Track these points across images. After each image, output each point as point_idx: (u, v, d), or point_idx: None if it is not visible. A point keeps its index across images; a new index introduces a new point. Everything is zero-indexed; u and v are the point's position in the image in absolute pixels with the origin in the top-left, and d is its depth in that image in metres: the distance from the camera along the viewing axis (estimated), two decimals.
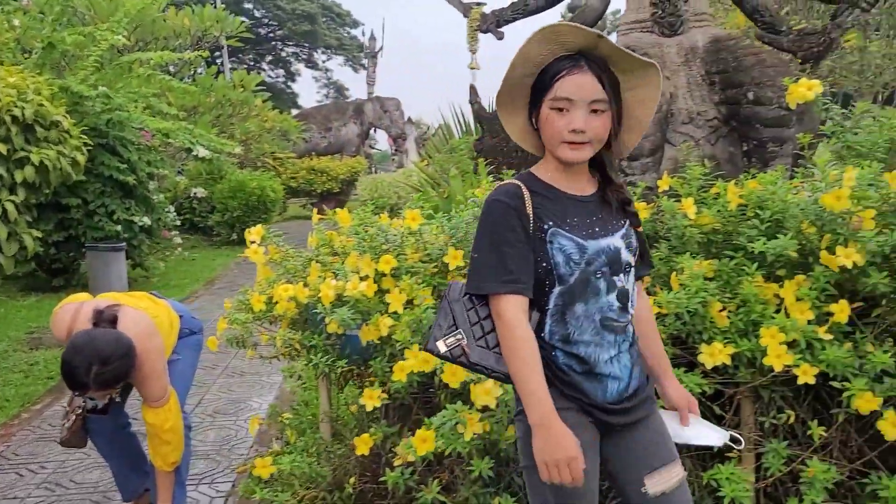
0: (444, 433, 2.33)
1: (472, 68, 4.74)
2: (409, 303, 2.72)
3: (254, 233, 3.16)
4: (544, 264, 1.72)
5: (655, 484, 1.79)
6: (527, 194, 1.73)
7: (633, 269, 1.80)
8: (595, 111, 1.67)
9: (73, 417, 3.01)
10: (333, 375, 3.19)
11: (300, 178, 18.95)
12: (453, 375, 2.32)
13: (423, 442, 2.32)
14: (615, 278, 1.74)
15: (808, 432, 2.55)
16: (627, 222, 1.81)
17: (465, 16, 4.63)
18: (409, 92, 32.65)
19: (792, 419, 2.62)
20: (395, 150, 23.70)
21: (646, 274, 1.99)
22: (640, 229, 1.87)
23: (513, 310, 1.68)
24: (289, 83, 40.31)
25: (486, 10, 4.56)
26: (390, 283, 2.79)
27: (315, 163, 19.43)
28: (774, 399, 2.66)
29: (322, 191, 19.10)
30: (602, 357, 1.74)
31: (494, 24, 4.41)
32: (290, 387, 3.13)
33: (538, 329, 1.75)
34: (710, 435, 2.03)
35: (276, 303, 2.97)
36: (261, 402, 4.66)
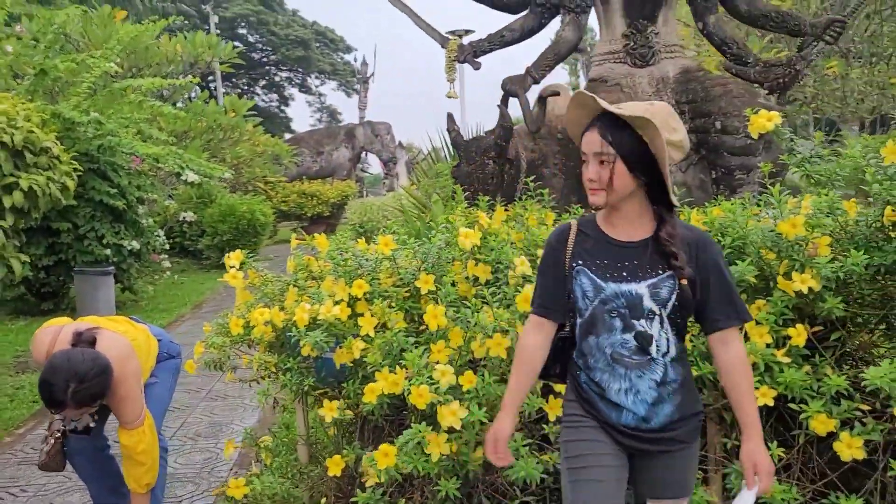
0: (408, 452, 2.38)
1: (449, 97, 4.83)
2: (383, 326, 2.79)
3: (233, 257, 3.23)
4: (570, 297, 2.00)
5: None
6: (573, 234, 2.01)
7: (659, 316, 1.91)
8: (602, 162, 1.86)
9: (52, 441, 3.05)
10: (310, 398, 3.25)
11: (291, 201, 19.05)
12: (420, 397, 2.39)
13: (384, 456, 2.38)
14: (634, 321, 1.90)
15: (769, 453, 2.60)
16: (667, 273, 1.89)
17: (443, 46, 4.75)
18: (400, 117, 32.87)
19: None
20: (386, 174, 23.85)
21: (727, 326, 1.94)
22: (685, 281, 1.89)
23: (529, 324, 2.08)
24: (282, 108, 40.59)
25: (465, 40, 4.70)
26: (364, 306, 2.86)
27: (306, 187, 19.55)
28: (736, 421, 2.72)
29: (312, 214, 19.20)
30: (613, 386, 1.94)
31: (472, 54, 4.52)
32: (263, 409, 3.18)
33: (576, 352, 2.04)
34: None
35: (254, 327, 3.04)
36: (242, 424, 4.68)
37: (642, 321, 1.90)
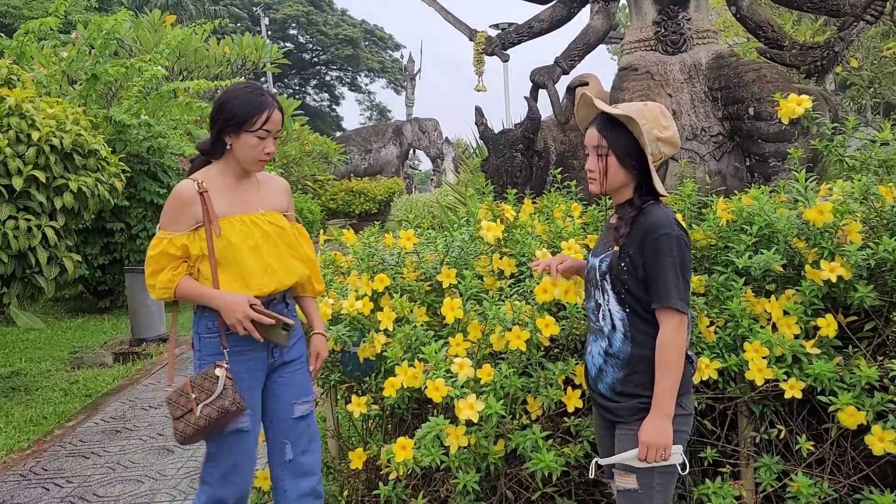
0: (426, 445, 2.39)
1: (478, 90, 4.81)
2: (405, 320, 2.80)
3: None
4: None
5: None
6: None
7: (603, 287, 2.11)
8: (599, 155, 2.08)
9: (223, 378, 2.34)
10: (339, 392, 3.29)
11: (339, 199, 19.25)
12: (436, 390, 2.39)
13: (402, 449, 2.39)
14: (594, 290, 2.15)
15: (797, 446, 2.54)
16: (614, 249, 2.07)
17: (471, 39, 4.72)
18: (448, 113, 32.93)
19: (783, 434, 2.62)
20: (434, 171, 23.91)
21: (655, 307, 1.99)
22: (617, 249, 2.05)
23: None
24: (333, 106, 41.10)
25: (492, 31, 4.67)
26: (387, 301, 2.88)
27: (353, 184, 19.73)
28: (766, 414, 2.66)
29: (360, 212, 19.38)
30: (587, 346, 2.21)
31: (500, 46, 4.50)
32: None
33: None
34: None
35: None
36: None
37: (597, 290, 2.13)
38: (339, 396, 3.33)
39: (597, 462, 2.15)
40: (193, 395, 2.35)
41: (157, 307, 7.63)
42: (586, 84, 3.87)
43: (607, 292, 2.09)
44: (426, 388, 2.42)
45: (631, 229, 2.04)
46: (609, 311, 2.09)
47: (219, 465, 2.45)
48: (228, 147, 2.42)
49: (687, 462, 2.04)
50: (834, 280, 2.44)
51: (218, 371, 2.34)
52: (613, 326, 2.08)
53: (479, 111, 4.37)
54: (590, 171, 2.11)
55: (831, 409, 2.43)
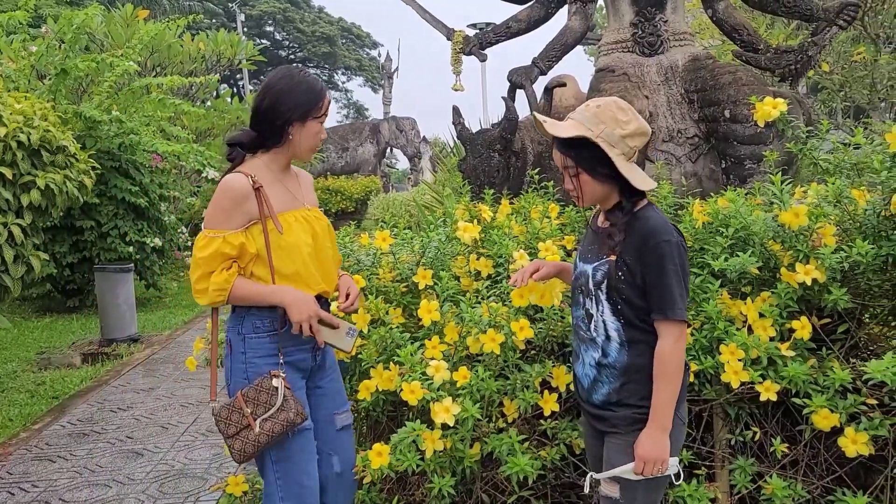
0: (402, 450, 2.36)
1: (455, 89, 4.78)
2: (381, 322, 2.77)
3: None
4: None
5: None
6: (591, 222, 2.22)
7: (597, 297, 2.02)
8: (570, 175, 2.02)
9: (279, 387, 2.22)
10: None
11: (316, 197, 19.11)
12: (412, 393, 2.36)
13: (378, 456, 2.35)
14: (585, 298, 2.06)
15: (771, 448, 2.54)
16: (609, 257, 1.99)
17: (449, 39, 4.70)
18: (425, 112, 32.88)
19: (758, 436, 2.62)
20: (412, 170, 23.85)
21: (654, 318, 1.94)
22: (614, 258, 1.97)
23: None
24: None
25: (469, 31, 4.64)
26: (362, 302, 2.84)
27: (330, 182, 19.61)
28: (741, 416, 2.66)
29: (337, 210, 19.25)
30: (578, 356, 2.12)
31: (478, 46, 4.48)
32: None
33: None
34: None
35: None
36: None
37: (589, 299, 2.05)
38: None
39: (592, 477, 2.08)
40: (248, 410, 2.19)
41: (127, 307, 7.52)
42: (564, 85, 3.86)
43: (601, 303, 2.01)
44: (401, 390, 2.39)
45: (626, 235, 1.95)
46: (603, 321, 2.01)
47: (288, 476, 2.29)
48: (290, 137, 2.31)
49: (682, 472, 2.02)
50: (809, 283, 2.44)
51: (275, 382, 2.20)
52: (608, 336, 2.01)
53: (456, 111, 4.34)
54: (568, 190, 2.06)
55: (805, 411, 2.43)
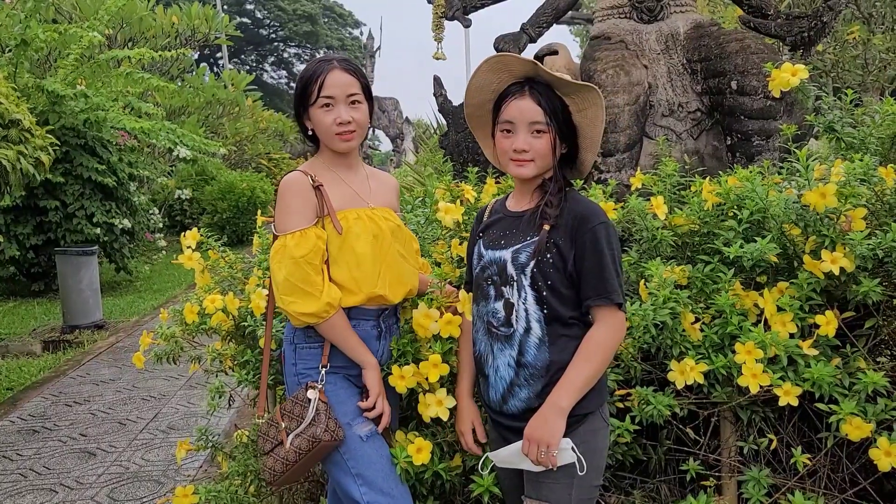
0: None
1: (436, 58, 4.45)
2: None
3: (189, 237, 2.88)
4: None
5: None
6: (488, 211, 2.03)
7: (519, 282, 1.81)
8: (537, 132, 1.82)
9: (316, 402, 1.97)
10: (277, 394, 2.92)
11: None
12: (401, 379, 2.07)
13: (418, 452, 2.05)
14: (503, 288, 1.84)
15: (793, 459, 2.25)
16: (533, 239, 1.81)
17: (430, 2, 4.35)
18: (408, 92, 32.39)
19: (774, 444, 2.34)
20: (394, 151, 23.46)
21: (593, 304, 1.77)
22: (547, 228, 1.80)
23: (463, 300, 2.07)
24: (291, 84, 40.13)
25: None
26: None
27: None
28: (755, 421, 2.38)
29: None
30: (488, 360, 1.87)
31: (461, 10, 4.13)
32: (212, 408, 2.84)
33: None
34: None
35: (211, 315, 2.70)
36: (219, 417, 4.38)
37: (507, 288, 1.83)
38: (277, 399, 2.96)
39: (524, 499, 1.83)
40: (283, 425, 1.97)
41: (91, 292, 7.13)
42: (555, 53, 3.53)
43: (524, 289, 1.80)
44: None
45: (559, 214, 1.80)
46: (525, 310, 1.80)
47: (371, 482, 1.97)
48: (311, 132, 2.10)
49: (585, 464, 1.73)
50: (836, 272, 2.14)
51: (310, 394, 1.96)
52: (528, 329, 1.80)
53: (437, 81, 4.00)
54: (522, 150, 1.83)
55: (833, 418, 2.15)
